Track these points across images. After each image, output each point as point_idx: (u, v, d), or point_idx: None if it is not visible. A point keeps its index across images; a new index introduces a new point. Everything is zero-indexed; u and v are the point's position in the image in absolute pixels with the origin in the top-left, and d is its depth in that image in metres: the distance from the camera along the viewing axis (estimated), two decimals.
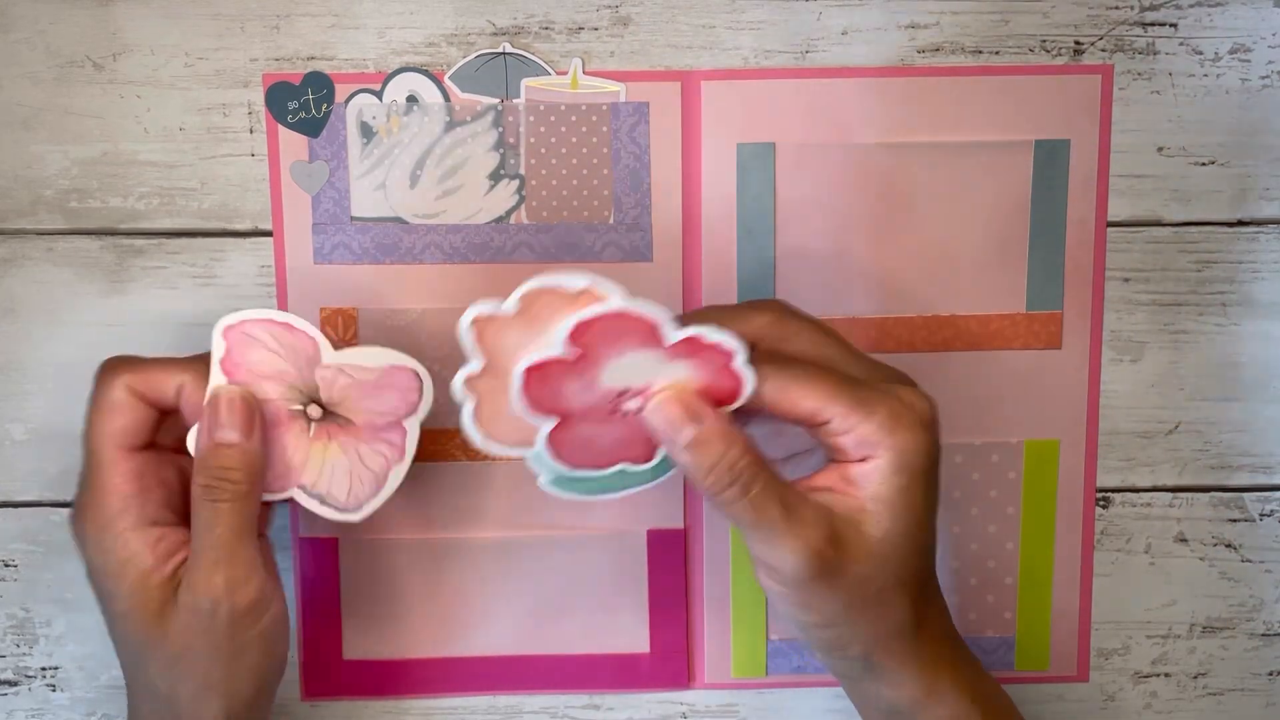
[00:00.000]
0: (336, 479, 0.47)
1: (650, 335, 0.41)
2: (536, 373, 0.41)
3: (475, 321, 0.41)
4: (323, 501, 0.47)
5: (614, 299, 0.40)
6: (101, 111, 0.51)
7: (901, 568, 0.42)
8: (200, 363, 0.45)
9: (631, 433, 0.43)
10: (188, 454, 0.45)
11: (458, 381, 0.42)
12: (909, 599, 0.43)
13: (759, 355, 0.42)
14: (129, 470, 0.44)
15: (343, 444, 0.46)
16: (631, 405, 0.42)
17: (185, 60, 0.51)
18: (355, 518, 0.47)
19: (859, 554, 0.42)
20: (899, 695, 0.44)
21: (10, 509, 0.53)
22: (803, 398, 0.41)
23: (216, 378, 0.44)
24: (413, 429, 0.47)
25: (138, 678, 0.45)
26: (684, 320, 0.42)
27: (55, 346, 0.52)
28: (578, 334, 0.41)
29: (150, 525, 0.44)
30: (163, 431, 0.46)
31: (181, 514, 0.45)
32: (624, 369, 0.42)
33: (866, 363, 0.44)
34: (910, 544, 0.42)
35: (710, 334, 0.41)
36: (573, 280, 0.40)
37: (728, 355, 0.41)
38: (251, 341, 0.45)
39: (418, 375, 0.46)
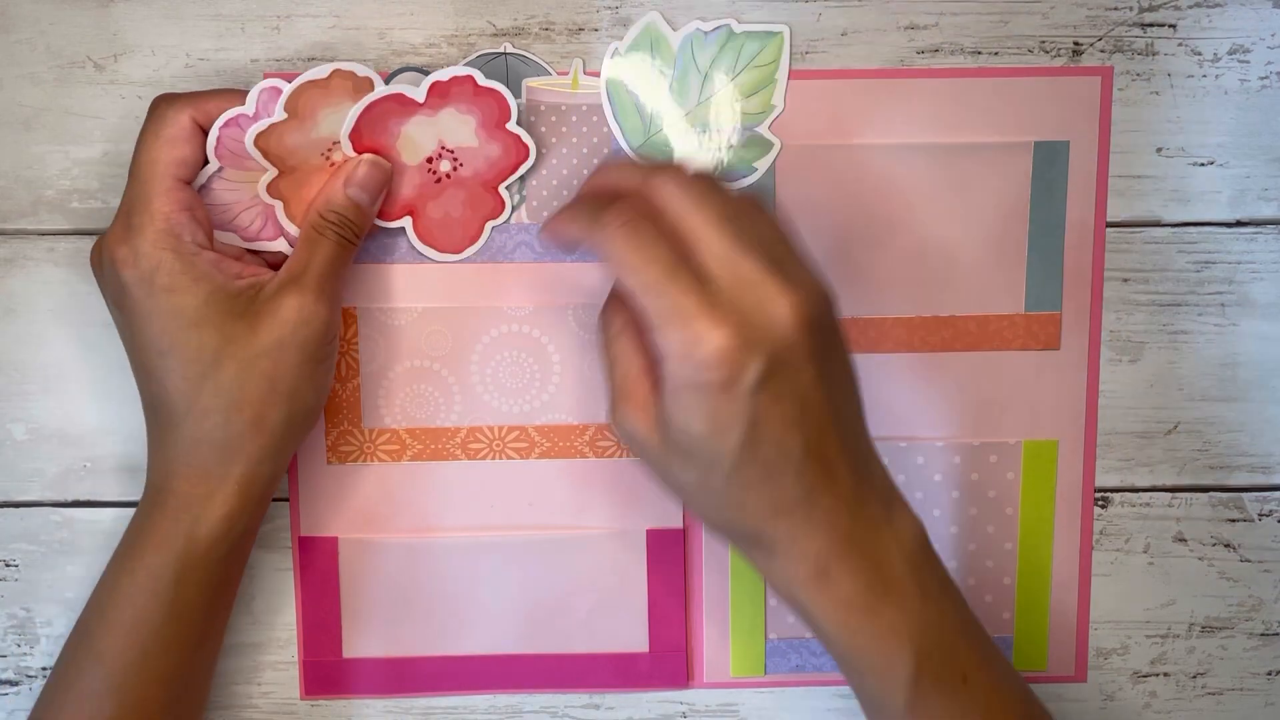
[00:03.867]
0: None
1: (404, 104, 0.49)
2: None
3: (257, 140, 0.47)
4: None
5: (376, 86, 0.48)
6: (102, 112, 0.51)
7: (699, 476, 0.43)
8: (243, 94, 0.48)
9: (470, 192, 0.51)
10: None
11: (261, 189, 0.48)
12: (717, 509, 0.43)
13: (619, 216, 0.42)
14: (184, 199, 0.46)
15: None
16: (444, 166, 0.50)
17: (186, 61, 0.51)
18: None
19: (660, 441, 0.43)
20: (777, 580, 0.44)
21: (11, 509, 0.53)
22: (620, 276, 0.42)
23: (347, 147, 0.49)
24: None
25: (197, 395, 0.46)
26: (605, 170, 0.46)
27: (55, 346, 0.52)
28: (356, 136, 0.48)
29: (203, 248, 0.47)
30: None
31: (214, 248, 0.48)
32: (411, 145, 0.49)
33: (739, 269, 0.41)
34: (700, 459, 0.42)
35: (443, 73, 0.49)
36: (318, 70, 0.47)
37: (471, 80, 0.49)
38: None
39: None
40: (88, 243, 0.52)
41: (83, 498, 0.53)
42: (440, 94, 0.49)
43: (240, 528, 0.48)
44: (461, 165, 0.50)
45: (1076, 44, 0.52)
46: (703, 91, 0.51)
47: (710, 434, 0.41)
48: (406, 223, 0.51)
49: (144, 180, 0.46)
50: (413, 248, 0.51)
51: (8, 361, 0.52)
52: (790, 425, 0.42)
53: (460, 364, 0.52)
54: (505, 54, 0.51)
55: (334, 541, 0.53)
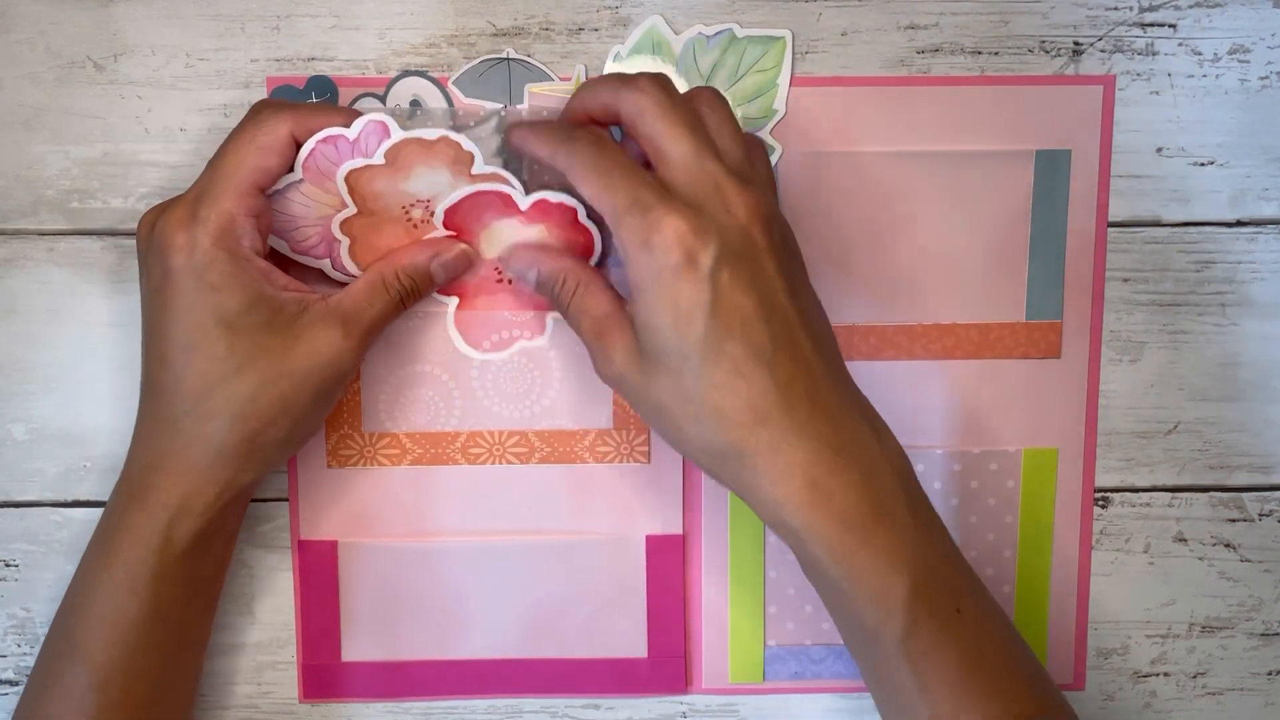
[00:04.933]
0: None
1: (508, 204, 0.49)
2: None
3: (348, 176, 0.47)
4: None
5: (476, 162, 0.48)
6: (102, 112, 0.51)
7: (674, 383, 0.43)
8: (355, 111, 0.48)
9: (522, 305, 0.51)
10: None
11: (335, 226, 0.48)
12: (696, 420, 0.43)
13: (586, 132, 0.45)
14: (255, 207, 0.46)
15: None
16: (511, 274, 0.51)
17: (186, 61, 0.51)
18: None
19: (637, 364, 0.44)
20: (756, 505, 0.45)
21: (11, 509, 0.53)
22: (582, 184, 0.44)
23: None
24: None
25: (207, 397, 0.45)
26: (582, 89, 0.47)
27: (56, 346, 0.52)
28: (450, 213, 0.49)
29: (258, 255, 0.46)
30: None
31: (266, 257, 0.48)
32: (493, 240, 0.50)
33: (699, 172, 0.44)
34: (671, 359, 0.43)
35: (554, 196, 0.48)
36: (429, 131, 0.47)
37: (572, 212, 0.49)
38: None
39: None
40: (88, 243, 0.52)
41: (83, 498, 0.53)
42: (542, 210, 0.49)
43: (216, 528, 0.47)
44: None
45: (1076, 44, 0.52)
46: None
47: (676, 323, 0.43)
48: (451, 303, 0.51)
49: (224, 177, 0.46)
50: (445, 325, 0.52)
51: (8, 361, 0.52)
52: (753, 317, 0.43)
53: (460, 369, 0.52)
54: (508, 59, 0.51)
55: (333, 545, 0.53)
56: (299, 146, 0.47)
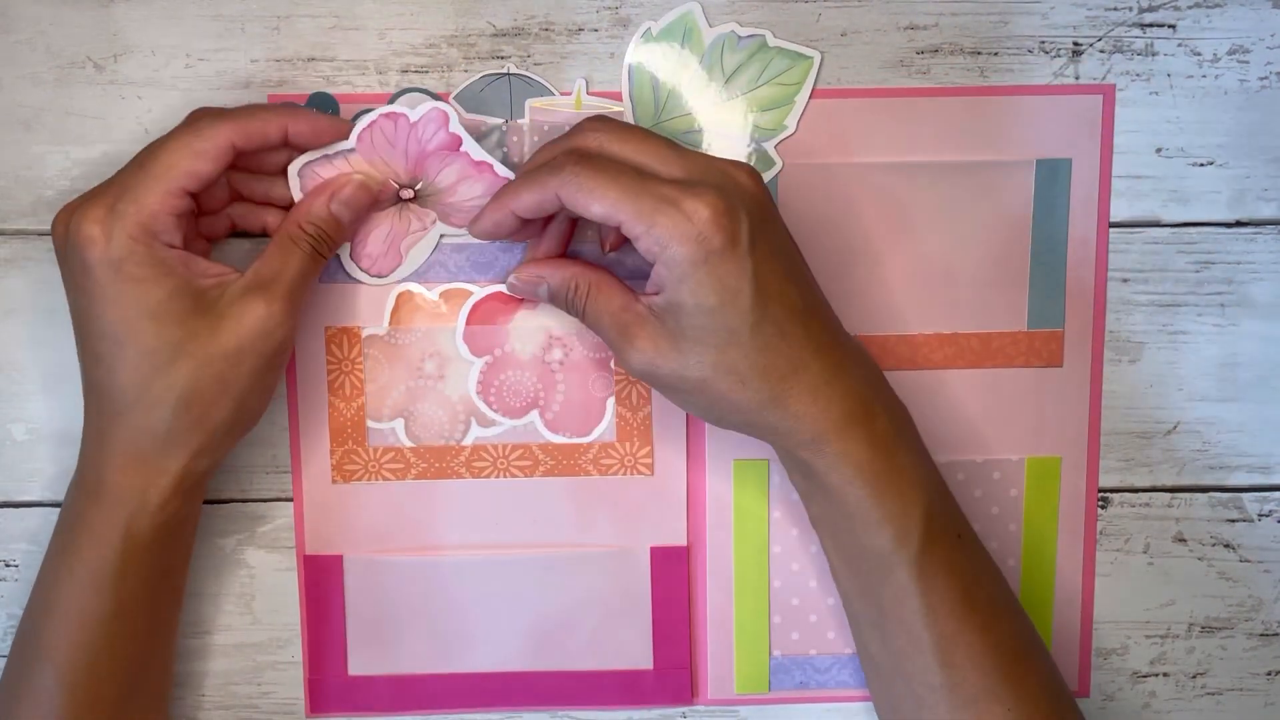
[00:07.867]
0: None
1: (507, 300, 0.52)
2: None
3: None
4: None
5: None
6: (102, 112, 0.51)
7: (717, 357, 0.45)
8: (295, 109, 0.48)
9: (584, 374, 0.52)
10: (209, 215, 0.50)
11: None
12: (740, 383, 0.45)
13: (570, 158, 0.45)
14: (179, 206, 0.46)
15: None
16: (557, 355, 0.52)
17: (186, 61, 0.51)
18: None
19: (669, 349, 0.45)
20: (790, 468, 0.48)
21: (10, 509, 0.53)
22: (593, 202, 0.44)
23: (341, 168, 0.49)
24: None
25: (147, 387, 0.45)
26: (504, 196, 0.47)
27: (55, 346, 0.52)
28: (470, 337, 0.52)
29: (176, 248, 0.46)
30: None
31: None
32: (522, 333, 0.52)
33: (690, 163, 0.45)
34: (716, 336, 0.45)
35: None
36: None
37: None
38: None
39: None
40: None
41: None
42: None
43: (178, 518, 0.47)
44: (571, 350, 0.52)
45: (1076, 44, 0.52)
46: (721, 93, 0.51)
47: (724, 303, 0.44)
48: (534, 417, 0.52)
49: (152, 177, 0.45)
50: (541, 434, 0.52)
51: (8, 361, 0.52)
52: (786, 278, 0.45)
53: (464, 383, 0.52)
54: (509, 74, 0.51)
55: (339, 559, 0.53)
56: (238, 153, 0.46)
